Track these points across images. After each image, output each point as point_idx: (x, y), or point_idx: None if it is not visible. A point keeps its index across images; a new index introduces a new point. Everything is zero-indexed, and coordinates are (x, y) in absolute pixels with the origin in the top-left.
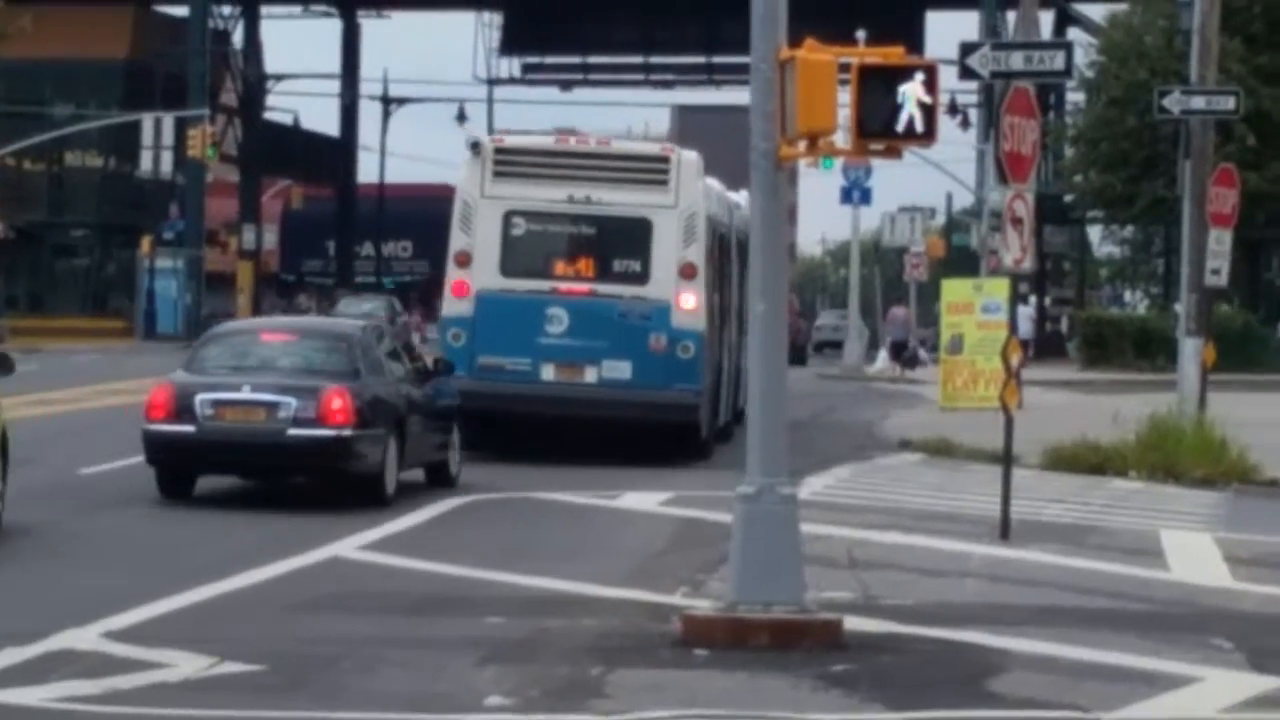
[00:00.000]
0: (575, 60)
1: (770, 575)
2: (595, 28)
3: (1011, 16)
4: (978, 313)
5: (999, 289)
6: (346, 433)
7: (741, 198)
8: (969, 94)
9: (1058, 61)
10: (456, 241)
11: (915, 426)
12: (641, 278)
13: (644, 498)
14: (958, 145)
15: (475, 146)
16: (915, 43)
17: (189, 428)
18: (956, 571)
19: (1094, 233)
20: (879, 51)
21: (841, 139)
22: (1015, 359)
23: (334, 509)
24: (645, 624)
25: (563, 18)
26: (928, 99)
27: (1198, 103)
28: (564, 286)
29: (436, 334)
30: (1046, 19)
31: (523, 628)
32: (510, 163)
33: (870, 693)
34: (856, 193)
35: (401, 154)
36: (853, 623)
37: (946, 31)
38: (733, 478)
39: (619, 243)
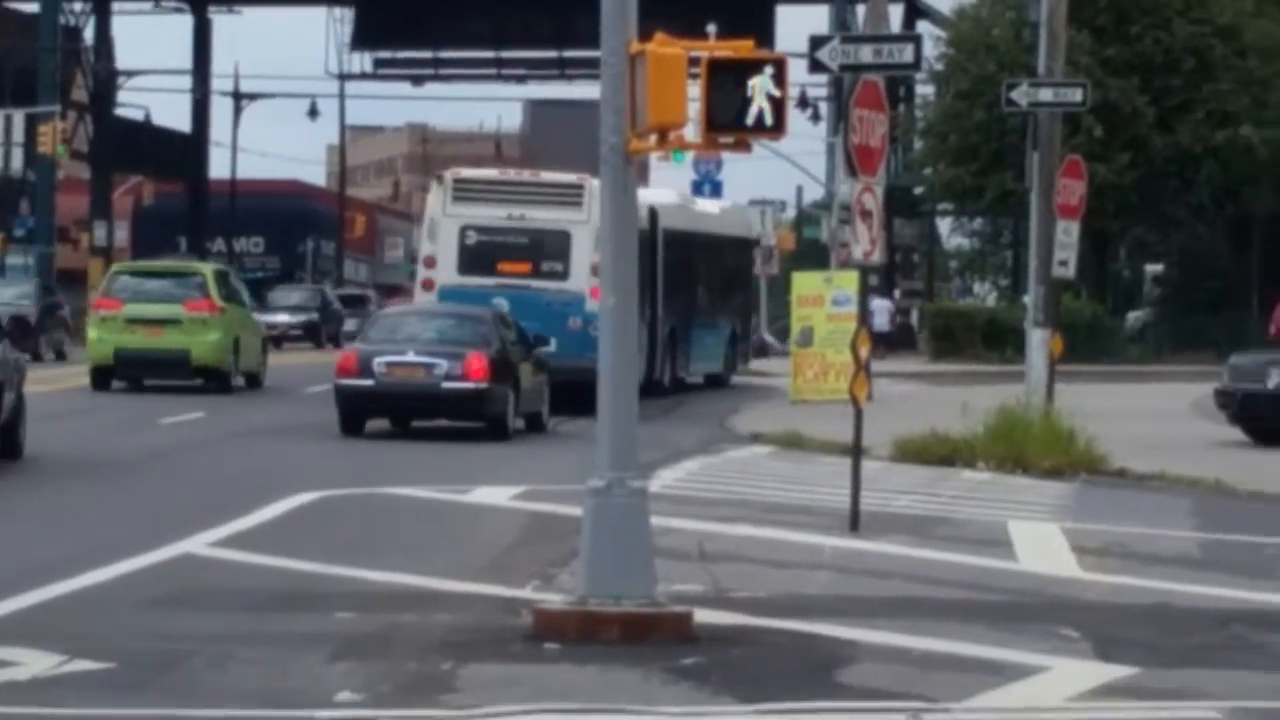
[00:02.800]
0: (427, 55)
1: (621, 569)
2: (447, 22)
3: (861, 10)
4: (828, 305)
5: (849, 281)
6: (483, 386)
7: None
8: (819, 87)
9: (906, 55)
10: (425, 249)
11: (766, 419)
12: (563, 275)
13: (495, 492)
14: (808, 139)
15: (439, 178)
16: (766, 37)
17: (369, 382)
18: (807, 563)
19: (943, 225)
20: (729, 45)
21: (691, 132)
22: (864, 351)
23: (182, 506)
24: (496, 618)
25: (414, 12)
26: (777, 92)
27: (1045, 95)
28: (505, 282)
29: None
30: (896, 12)
31: (373, 623)
32: (465, 189)
33: (721, 685)
34: (707, 186)
35: (253, 150)
36: (703, 615)
37: (797, 25)
38: (584, 471)
39: (546, 249)
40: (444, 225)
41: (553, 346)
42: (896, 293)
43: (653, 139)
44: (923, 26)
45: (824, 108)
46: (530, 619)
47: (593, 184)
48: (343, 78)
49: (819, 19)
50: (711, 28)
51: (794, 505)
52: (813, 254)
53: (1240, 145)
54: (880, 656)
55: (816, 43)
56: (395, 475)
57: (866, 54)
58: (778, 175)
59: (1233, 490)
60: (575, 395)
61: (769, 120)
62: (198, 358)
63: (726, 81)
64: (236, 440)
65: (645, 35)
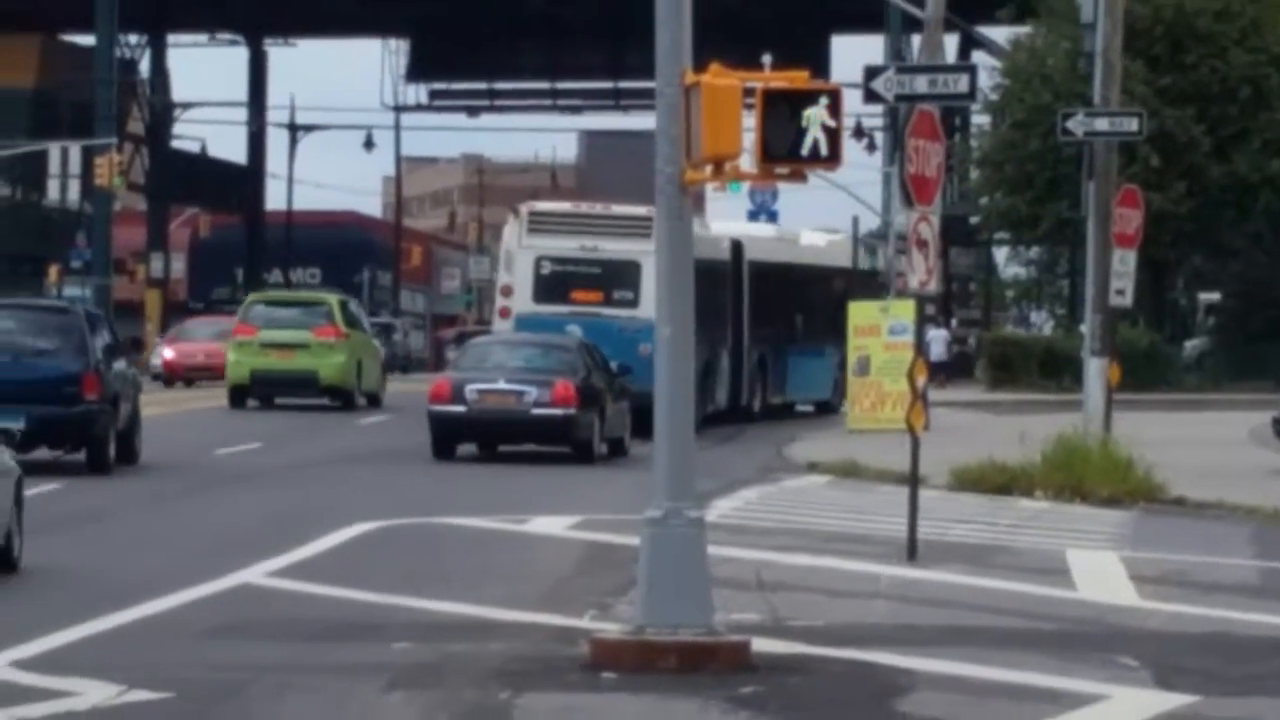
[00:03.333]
0: (482, 86)
1: (678, 598)
2: (502, 54)
3: (916, 40)
4: (884, 334)
5: (905, 310)
6: (571, 412)
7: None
8: (875, 117)
9: (961, 84)
10: (502, 278)
11: (823, 448)
12: (634, 303)
13: (552, 522)
14: (864, 168)
15: (515, 211)
16: (821, 66)
17: (461, 408)
18: (864, 592)
19: (1000, 254)
20: (783, 76)
21: (747, 163)
22: (921, 380)
23: (242, 537)
24: (553, 648)
25: (469, 44)
26: (832, 123)
27: (1101, 124)
28: (578, 310)
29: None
30: (951, 42)
31: (430, 653)
32: (539, 222)
33: (779, 714)
34: (763, 216)
35: (309, 181)
36: (761, 644)
37: (852, 55)
38: (641, 501)
39: (616, 278)
40: (520, 256)
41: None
42: (953, 322)
43: (708, 169)
44: (978, 56)
45: (880, 137)
46: (587, 648)
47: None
48: (398, 109)
49: (874, 49)
50: (766, 58)
51: (851, 534)
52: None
53: None
54: (938, 685)
55: (871, 73)
56: (454, 505)
57: (922, 84)
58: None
59: None
60: (648, 419)
61: (824, 150)
62: (325, 378)
63: (781, 112)
64: (318, 467)
65: (700, 66)
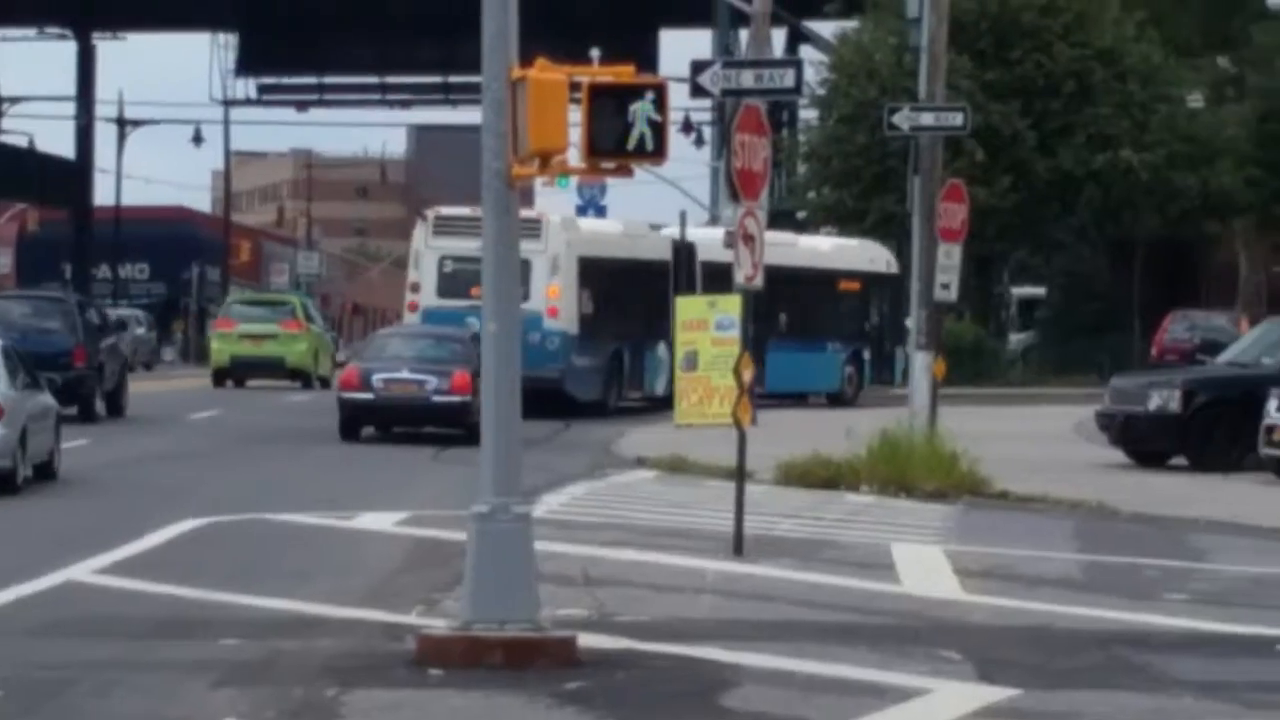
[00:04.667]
0: (311, 80)
1: (505, 594)
2: (331, 48)
3: (744, 34)
4: (712, 329)
5: (732, 306)
6: (467, 399)
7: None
8: (703, 112)
9: (788, 79)
10: (411, 276)
11: (651, 443)
12: (525, 297)
13: (380, 518)
14: (692, 163)
15: (424, 215)
16: (649, 61)
17: (369, 395)
18: (691, 587)
19: None
20: (610, 70)
21: (574, 157)
22: (747, 375)
23: (66, 534)
24: (381, 644)
25: (298, 39)
26: (658, 117)
27: (926, 119)
28: (476, 304)
29: None
30: (779, 37)
31: (258, 649)
32: (443, 225)
33: (605, 709)
34: (591, 210)
35: (138, 176)
36: (588, 640)
37: (681, 49)
38: (469, 496)
39: None
40: (426, 256)
41: None
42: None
43: (535, 164)
44: (805, 51)
45: (708, 132)
46: (414, 644)
47: (549, 218)
48: (227, 104)
49: (703, 43)
50: (595, 52)
51: (678, 529)
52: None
53: (1121, 169)
54: (764, 680)
55: (698, 67)
56: (282, 501)
57: (748, 79)
58: (662, 199)
59: (1114, 512)
60: (537, 400)
61: (650, 145)
62: (290, 363)
63: (608, 107)
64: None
65: (528, 60)
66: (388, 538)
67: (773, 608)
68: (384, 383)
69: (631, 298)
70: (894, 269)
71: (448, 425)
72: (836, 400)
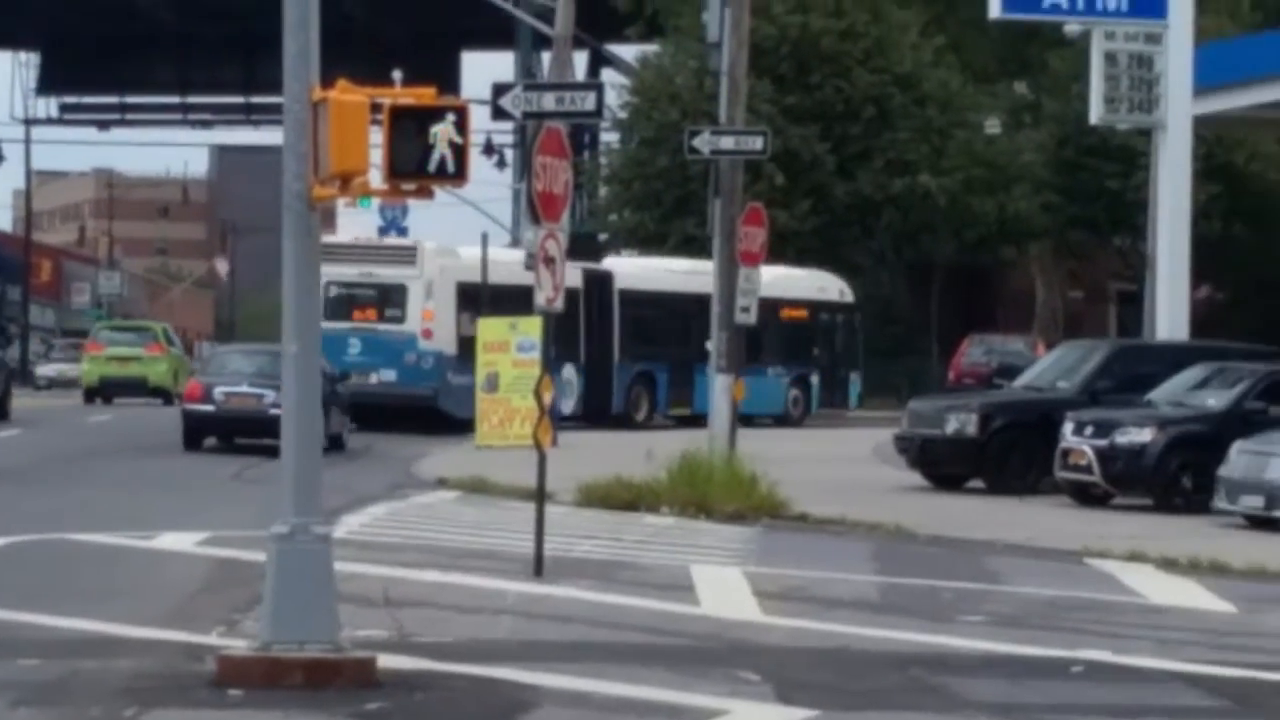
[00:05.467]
0: (113, 100)
1: (304, 614)
2: (133, 68)
3: (547, 57)
4: (513, 351)
5: (533, 328)
6: None
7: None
8: (505, 134)
9: (589, 102)
10: None
11: (452, 464)
12: (402, 319)
13: (180, 538)
14: (494, 185)
15: None
16: (451, 83)
17: (210, 407)
18: (491, 608)
19: None
20: (411, 92)
21: (375, 179)
22: (548, 397)
23: None
24: (180, 664)
25: (100, 58)
26: (459, 139)
27: (726, 143)
28: (359, 326)
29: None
30: (581, 59)
31: (56, 669)
32: (329, 252)
33: None
34: (393, 231)
35: None
36: (388, 660)
37: (484, 71)
38: (270, 516)
39: (388, 298)
40: None
41: (394, 377)
42: None
43: (336, 185)
44: (608, 74)
45: (510, 154)
46: (214, 665)
47: (424, 245)
48: (28, 122)
49: (505, 65)
50: (397, 74)
51: (479, 550)
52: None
53: (919, 193)
54: (562, 701)
55: (500, 90)
56: (82, 521)
57: (549, 101)
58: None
59: (912, 534)
60: (414, 416)
61: (451, 167)
62: (153, 382)
63: (409, 128)
64: None
65: (330, 81)
66: (189, 558)
67: (572, 629)
68: (224, 396)
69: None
70: (847, 298)
71: (280, 436)
72: (781, 422)
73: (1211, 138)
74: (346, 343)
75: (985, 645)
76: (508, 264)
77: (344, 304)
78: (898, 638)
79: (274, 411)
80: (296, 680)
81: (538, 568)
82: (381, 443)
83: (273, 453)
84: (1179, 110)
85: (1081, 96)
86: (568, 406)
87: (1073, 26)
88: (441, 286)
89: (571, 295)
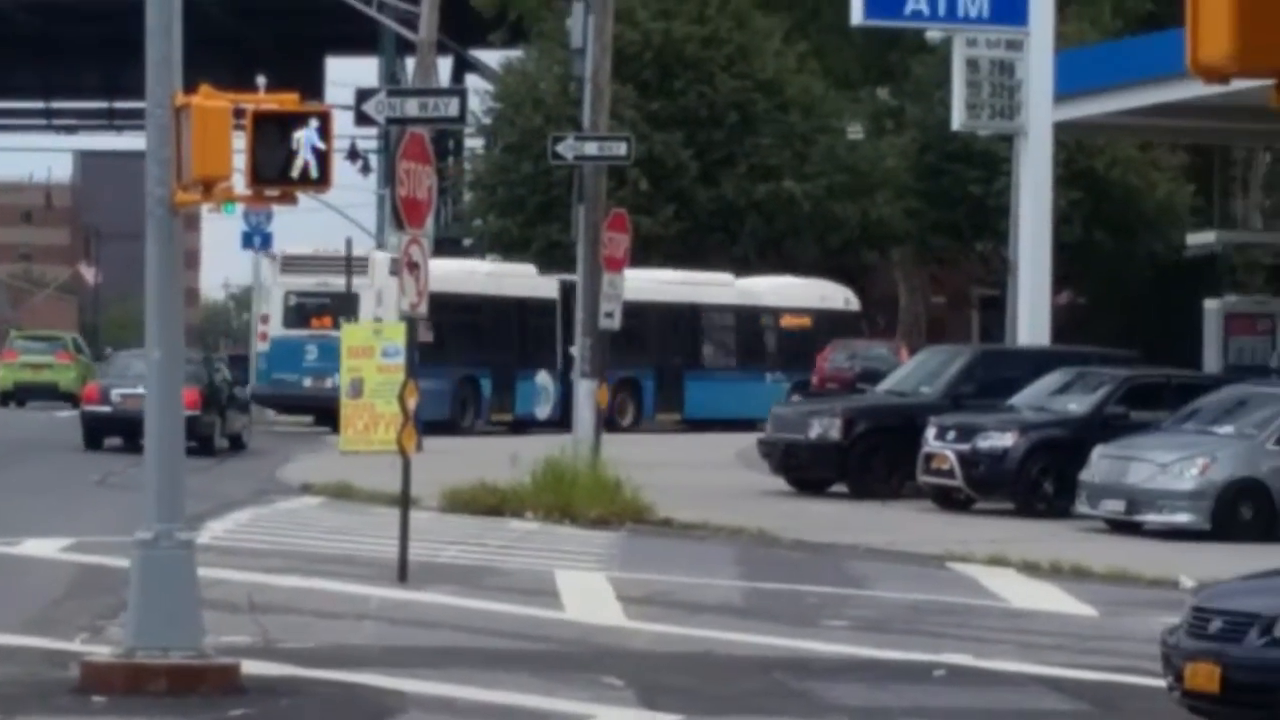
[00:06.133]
0: None
1: (168, 621)
2: None
3: (411, 63)
4: (378, 356)
5: (397, 333)
6: (195, 413)
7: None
8: (370, 139)
9: (452, 108)
10: (259, 309)
11: (317, 470)
12: None
13: (44, 544)
14: (360, 190)
15: (272, 256)
16: (316, 88)
17: (107, 408)
18: (355, 614)
19: None
20: (274, 98)
21: (238, 184)
22: (412, 402)
23: None
24: (43, 671)
25: None
26: (322, 145)
27: (590, 148)
28: (316, 333)
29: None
30: (446, 65)
31: None
32: (289, 264)
33: None
34: (257, 237)
35: None
36: (252, 667)
37: (349, 77)
38: (135, 522)
39: (342, 307)
40: (274, 291)
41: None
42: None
43: (198, 191)
44: (472, 80)
45: (374, 160)
46: (78, 671)
47: (375, 256)
48: None
49: (371, 71)
50: (261, 79)
51: (343, 556)
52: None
53: (783, 198)
54: (426, 706)
55: (363, 95)
56: None
57: (412, 107)
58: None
59: (776, 539)
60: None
61: (314, 173)
62: (63, 387)
63: (272, 134)
64: None
65: (194, 86)
66: (52, 564)
67: (437, 634)
68: (121, 397)
69: (494, 329)
70: (852, 306)
71: None
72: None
73: (1072, 143)
74: (304, 349)
75: (848, 649)
76: (464, 274)
77: (304, 312)
78: (761, 642)
79: None
80: (160, 687)
81: (402, 573)
82: (293, 443)
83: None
84: (1040, 116)
85: (944, 103)
86: (544, 412)
87: (935, 33)
88: (392, 294)
89: (549, 305)
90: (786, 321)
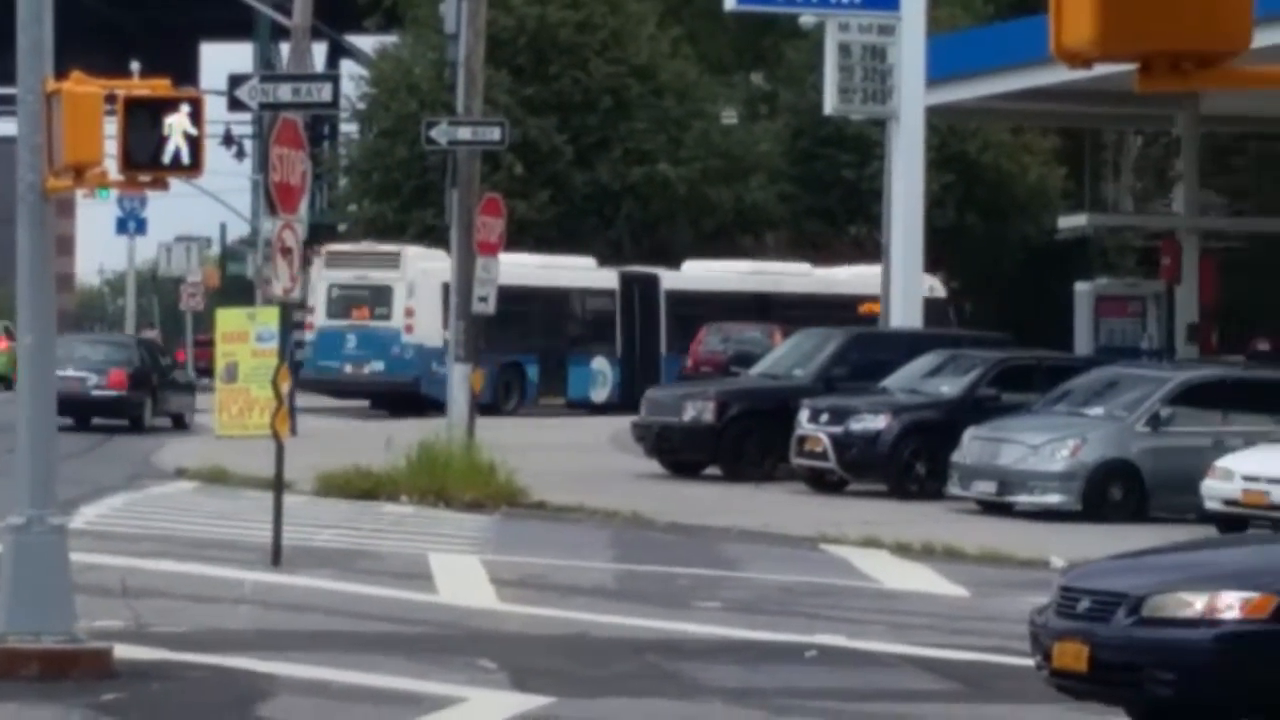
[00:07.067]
0: None
1: (40, 605)
2: None
3: (286, 48)
4: (252, 341)
5: (271, 317)
6: (123, 394)
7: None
8: (245, 125)
9: (325, 93)
10: (310, 300)
11: (191, 454)
12: (389, 317)
13: None
14: (235, 175)
15: (319, 252)
16: (190, 74)
17: None
18: (228, 598)
19: None
20: (146, 84)
21: (111, 170)
22: (285, 386)
23: None
24: None
25: None
26: (194, 130)
27: (464, 133)
28: (354, 323)
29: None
30: (320, 50)
31: None
32: (333, 259)
33: None
34: (132, 223)
35: None
36: (125, 651)
37: (224, 62)
38: (8, 509)
39: (378, 298)
40: (319, 285)
41: (383, 367)
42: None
43: (70, 177)
44: (347, 65)
45: (249, 145)
46: None
47: (406, 250)
48: None
49: (245, 57)
50: (135, 65)
51: (217, 540)
52: (238, 290)
53: (658, 182)
54: (300, 690)
55: (236, 81)
56: None
57: (285, 93)
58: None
59: (649, 521)
60: (399, 402)
61: (186, 159)
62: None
63: (143, 120)
64: None
65: (67, 72)
66: None
67: (310, 618)
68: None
69: (542, 318)
70: (938, 293)
71: (111, 416)
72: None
73: (945, 128)
74: (344, 338)
75: (721, 631)
76: (510, 266)
77: (345, 304)
78: (634, 624)
79: (96, 393)
80: (32, 671)
81: (275, 557)
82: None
83: (97, 430)
84: (912, 101)
85: (817, 87)
86: (600, 396)
87: (808, 18)
88: (424, 287)
89: (607, 295)
90: (866, 309)
